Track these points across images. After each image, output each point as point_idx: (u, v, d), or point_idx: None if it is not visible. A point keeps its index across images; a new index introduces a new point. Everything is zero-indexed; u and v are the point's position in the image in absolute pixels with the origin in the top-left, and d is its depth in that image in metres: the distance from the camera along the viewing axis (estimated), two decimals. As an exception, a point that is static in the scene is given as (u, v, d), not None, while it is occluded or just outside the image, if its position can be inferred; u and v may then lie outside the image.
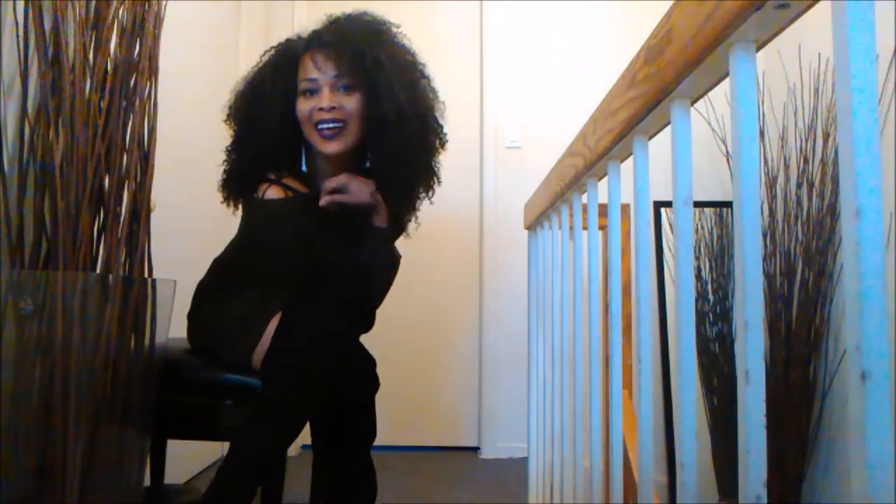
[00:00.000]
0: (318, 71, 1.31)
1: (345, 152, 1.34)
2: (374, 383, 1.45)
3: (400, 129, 1.30)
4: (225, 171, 1.43)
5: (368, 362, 1.45)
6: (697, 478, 0.61)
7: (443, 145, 1.44)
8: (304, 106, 1.33)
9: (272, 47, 1.41)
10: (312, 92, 1.32)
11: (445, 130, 1.44)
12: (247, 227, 1.42)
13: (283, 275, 1.35)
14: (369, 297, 1.37)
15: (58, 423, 1.12)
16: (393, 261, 1.42)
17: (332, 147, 1.32)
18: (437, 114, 1.42)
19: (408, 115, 1.30)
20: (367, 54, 1.29)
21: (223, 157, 1.44)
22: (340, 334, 1.27)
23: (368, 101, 1.31)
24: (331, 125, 1.30)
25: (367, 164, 1.39)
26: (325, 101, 1.30)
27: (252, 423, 1.23)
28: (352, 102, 1.31)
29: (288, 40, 1.40)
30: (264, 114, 1.34)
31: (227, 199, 1.45)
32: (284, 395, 1.20)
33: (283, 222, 1.32)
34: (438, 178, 1.46)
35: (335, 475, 1.39)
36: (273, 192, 1.31)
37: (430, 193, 1.47)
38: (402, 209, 1.46)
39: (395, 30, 1.38)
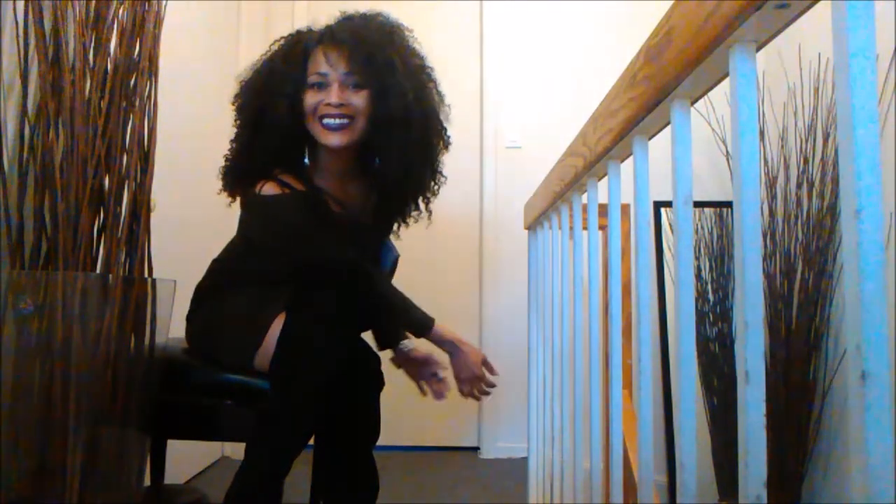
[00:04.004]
0: (329, 66, 1.32)
1: (348, 147, 1.35)
2: (378, 381, 1.45)
3: (405, 130, 1.32)
4: (227, 160, 1.42)
5: (372, 360, 1.45)
6: (697, 478, 0.61)
7: (446, 147, 1.45)
8: (311, 99, 1.33)
9: (282, 37, 1.41)
10: (321, 86, 1.33)
11: (449, 133, 1.45)
12: (243, 222, 1.43)
13: (282, 272, 1.36)
14: (369, 296, 1.37)
15: (58, 423, 1.12)
16: (394, 263, 1.45)
17: (335, 139, 1.32)
18: (441, 117, 1.43)
19: (414, 117, 1.32)
20: (380, 55, 1.30)
21: (223, 156, 1.44)
22: (344, 336, 1.27)
23: (377, 100, 1.32)
24: (337, 120, 1.32)
25: (377, 161, 1.41)
26: (334, 97, 1.31)
27: (263, 430, 1.23)
28: (360, 100, 1.32)
29: (298, 32, 1.41)
30: (272, 104, 1.33)
31: (226, 189, 1.44)
32: (293, 401, 1.21)
33: (279, 218, 1.32)
34: (442, 177, 1.48)
35: (336, 474, 1.39)
36: (269, 188, 1.32)
37: (435, 191, 1.48)
38: (405, 207, 1.48)
39: (406, 33, 1.40)
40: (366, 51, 1.30)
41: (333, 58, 1.31)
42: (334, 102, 1.30)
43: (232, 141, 1.41)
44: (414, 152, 1.35)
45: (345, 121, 1.32)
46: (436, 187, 1.47)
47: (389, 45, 1.33)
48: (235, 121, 1.41)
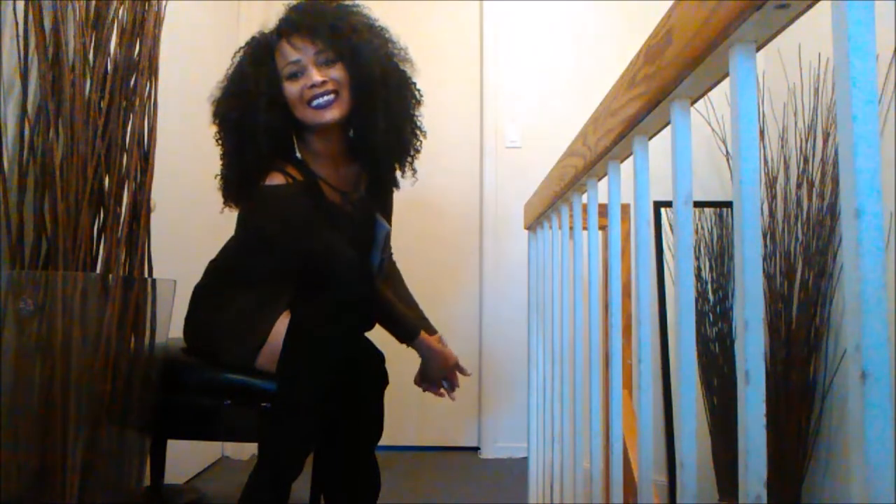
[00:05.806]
0: (298, 52, 1.34)
1: (341, 120, 1.36)
2: (382, 379, 1.45)
3: (386, 88, 1.35)
4: (224, 175, 1.42)
5: (376, 358, 1.45)
6: (697, 478, 0.61)
7: (419, 102, 1.47)
8: (293, 88, 1.35)
9: (240, 48, 1.42)
10: (298, 74, 1.35)
11: (419, 87, 1.47)
12: (249, 215, 1.43)
13: (279, 271, 1.36)
14: (371, 293, 1.38)
15: (58, 423, 1.12)
16: (386, 236, 1.49)
17: (329, 115, 1.34)
18: (408, 73, 1.45)
19: (391, 72, 1.37)
20: (342, 23, 1.34)
21: (215, 175, 1.44)
22: (348, 333, 1.27)
23: (354, 67, 1.34)
24: (324, 97, 1.34)
25: (353, 133, 1.42)
26: (315, 76, 1.33)
27: (273, 429, 1.24)
28: (338, 72, 1.35)
29: (254, 37, 1.43)
30: (254, 105, 1.34)
31: (228, 202, 1.44)
32: (304, 399, 1.22)
33: (286, 206, 1.34)
34: (422, 132, 1.49)
35: (337, 473, 1.39)
36: (274, 179, 1.33)
37: (418, 149, 1.49)
38: (391, 171, 1.49)
39: (354, 1, 1.44)
40: (328, 25, 1.33)
41: (300, 43, 1.34)
42: (317, 82, 1.33)
43: (222, 155, 1.42)
44: (394, 108, 1.38)
45: (331, 97, 1.34)
46: (418, 143, 1.48)
47: (346, 13, 1.37)
48: (218, 135, 1.41)
